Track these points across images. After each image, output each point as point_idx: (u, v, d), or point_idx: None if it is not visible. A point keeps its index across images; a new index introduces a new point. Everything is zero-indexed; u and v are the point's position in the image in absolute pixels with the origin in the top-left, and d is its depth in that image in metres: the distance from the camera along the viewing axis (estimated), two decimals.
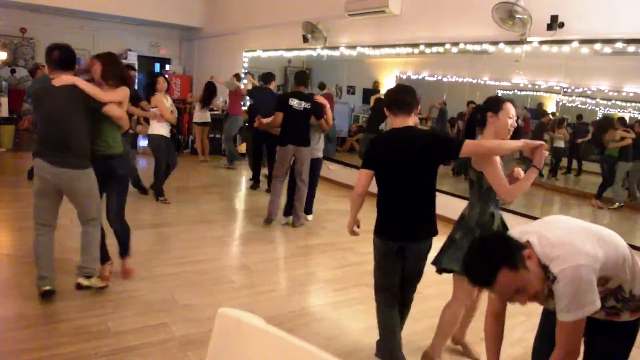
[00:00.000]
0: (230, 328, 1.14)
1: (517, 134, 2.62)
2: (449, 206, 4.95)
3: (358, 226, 2.78)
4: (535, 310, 2.13)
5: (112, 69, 3.31)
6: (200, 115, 8.86)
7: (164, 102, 5.66)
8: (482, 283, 1.62)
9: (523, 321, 3.41)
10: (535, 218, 4.45)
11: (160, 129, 5.79)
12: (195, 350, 2.80)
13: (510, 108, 2.52)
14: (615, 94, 5.70)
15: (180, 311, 3.27)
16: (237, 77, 9.13)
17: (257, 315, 1.11)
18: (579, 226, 1.76)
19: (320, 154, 5.63)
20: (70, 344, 2.73)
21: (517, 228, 1.82)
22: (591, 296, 1.59)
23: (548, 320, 2.06)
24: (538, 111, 6.97)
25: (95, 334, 2.86)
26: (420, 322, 3.44)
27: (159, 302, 3.36)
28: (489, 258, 1.58)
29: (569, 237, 1.67)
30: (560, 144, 6.76)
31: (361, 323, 3.32)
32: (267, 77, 7.30)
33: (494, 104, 2.55)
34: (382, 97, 2.81)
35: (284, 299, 3.67)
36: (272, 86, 7.23)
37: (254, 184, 7.31)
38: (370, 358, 2.86)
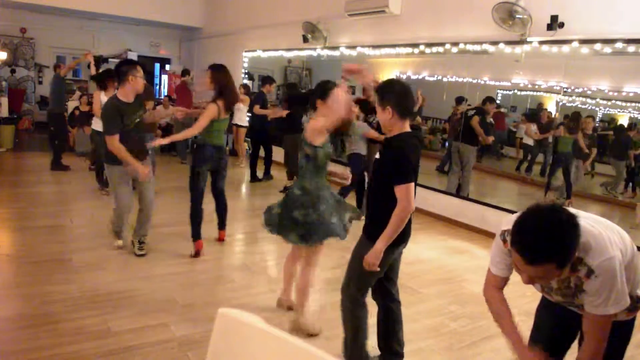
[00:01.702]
0: (230, 328, 1.14)
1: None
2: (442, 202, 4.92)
3: None
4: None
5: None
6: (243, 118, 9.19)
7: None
8: (525, 260, 1.48)
9: (523, 321, 3.41)
10: None
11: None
12: (195, 350, 2.80)
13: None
14: (615, 94, 5.71)
15: (180, 311, 3.27)
16: (185, 72, 9.13)
17: (258, 315, 1.11)
18: (599, 219, 1.73)
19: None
20: (70, 344, 2.73)
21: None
22: (625, 290, 1.58)
23: (545, 322, 2.06)
24: (538, 111, 6.97)
25: (95, 334, 2.86)
26: (420, 322, 3.44)
27: (159, 302, 3.36)
28: (550, 248, 1.43)
29: (598, 229, 1.62)
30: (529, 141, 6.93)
31: None
32: (262, 80, 7.47)
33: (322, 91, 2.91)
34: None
35: None
36: (266, 89, 7.28)
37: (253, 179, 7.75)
38: (369, 357, 2.86)
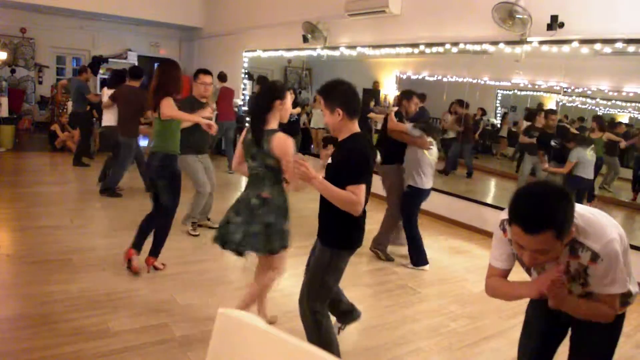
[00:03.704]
0: (230, 328, 1.14)
1: None
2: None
3: None
4: None
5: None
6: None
7: None
8: (525, 228, 1.53)
9: (522, 321, 3.42)
10: None
11: None
12: (195, 350, 2.80)
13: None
14: (615, 94, 5.71)
15: (180, 311, 3.27)
16: (221, 77, 8.51)
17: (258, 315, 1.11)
18: (594, 209, 1.77)
19: None
20: (70, 344, 2.73)
21: None
22: (624, 269, 1.66)
23: (535, 317, 2.06)
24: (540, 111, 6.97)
25: (95, 334, 2.86)
26: (420, 322, 3.44)
27: (159, 302, 3.36)
28: (547, 213, 1.49)
29: (594, 215, 1.67)
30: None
31: (360, 323, 3.31)
32: (259, 81, 7.44)
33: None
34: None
35: (284, 299, 3.66)
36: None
37: None
38: (369, 357, 2.86)
